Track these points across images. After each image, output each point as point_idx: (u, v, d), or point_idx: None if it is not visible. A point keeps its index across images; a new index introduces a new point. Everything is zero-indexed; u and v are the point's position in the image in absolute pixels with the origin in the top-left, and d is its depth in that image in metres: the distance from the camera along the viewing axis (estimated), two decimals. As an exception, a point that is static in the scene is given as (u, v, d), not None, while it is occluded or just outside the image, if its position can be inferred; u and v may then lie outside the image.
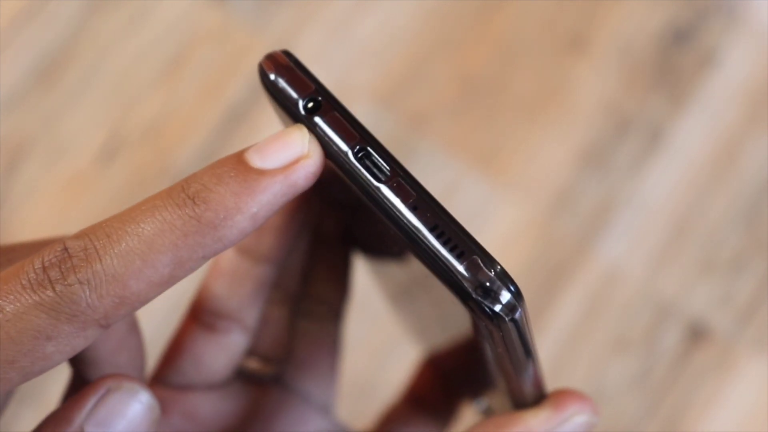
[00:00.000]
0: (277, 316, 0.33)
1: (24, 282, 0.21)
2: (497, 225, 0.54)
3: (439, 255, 0.21)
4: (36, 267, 0.21)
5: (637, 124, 0.56)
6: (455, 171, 0.54)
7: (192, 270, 0.22)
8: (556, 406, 0.26)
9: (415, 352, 0.53)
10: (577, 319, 0.53)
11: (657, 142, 0.55)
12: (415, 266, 0.25)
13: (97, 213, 0.55)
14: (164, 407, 0.30)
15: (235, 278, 0.30)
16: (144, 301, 0.22)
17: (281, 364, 0.33)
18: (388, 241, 0.24)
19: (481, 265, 0.21)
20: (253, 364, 0.32)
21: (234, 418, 0.31)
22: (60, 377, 0.50)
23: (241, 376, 0.32)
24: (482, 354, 0.26)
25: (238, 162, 0.22)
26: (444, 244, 0.21)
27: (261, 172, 0.22)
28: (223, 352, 0.31)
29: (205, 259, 0.22)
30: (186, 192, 0.22)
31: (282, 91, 0.23)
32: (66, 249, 0.21)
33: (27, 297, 0.21)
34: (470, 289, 0.21)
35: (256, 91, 0.56)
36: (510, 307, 0.21)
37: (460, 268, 0.21)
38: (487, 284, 0.21)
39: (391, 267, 0.31)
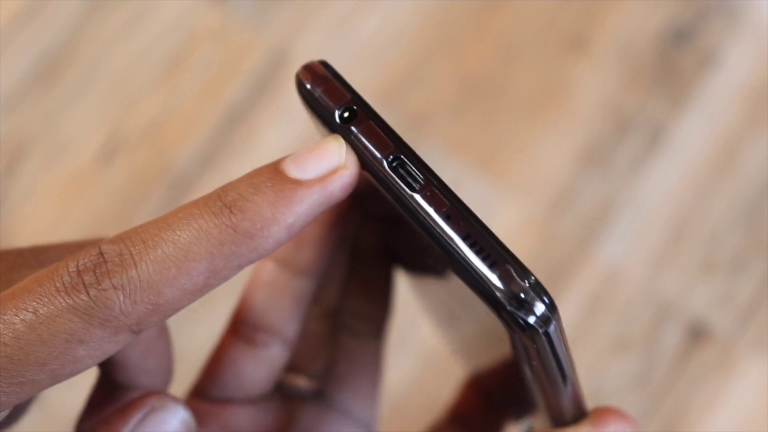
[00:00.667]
0: (317, 330, 0.32)
1: (58, 285, 0.21)
2: (497, 225, 0.54)
3: (472, 265, 0.21)
4: (71, 270, 0.21)
5: (637, 124, 0.56)
6: (455, 171, 0.54)
7: (226, 279, 0.22)
8: (596, 423, 0.26)
9: (415, 355, 0.53)
10: (577, 319, 0.53)
11: (657, 142, 0.55)
12: (454, 282, 0.24)
13: (96, 213, 0.55)
14: (203, 420, 0.30)
15: (274, 291, 0.30)
16: (177, 308, 0.21)
17: (321, 380, 0.33)
18: (427, 256, 0.24)
19: (515, 275, 0.21)
20: (293, 379, 0.32)
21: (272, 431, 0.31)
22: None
23: (281, 390, 0.32)
24: (522, 372, 0.25)
25: (275, 172, 0.22)
26: (477, 253, 0.21)
27: (298, 183, 0.22)
28: (262, 365, 0.30)
29: (240, 268, 0.22)
30: (223, 200, 0.22)
31: (318, 101, 0.23)
32: (101, 253, 0.21)
33: (61, 300, 0.21)
34: (504, 300, 0.21)
35: (256, 91, 0.56)
36: (544, 319, 0.21)
37: (493, 278, 0.21)
38: (521, 295, 0.21)
39: (432, 284, 0.30)
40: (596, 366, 0.52)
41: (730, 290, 0.53)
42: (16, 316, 0.20)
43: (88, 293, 0.21)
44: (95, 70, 0.56)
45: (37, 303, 0.21)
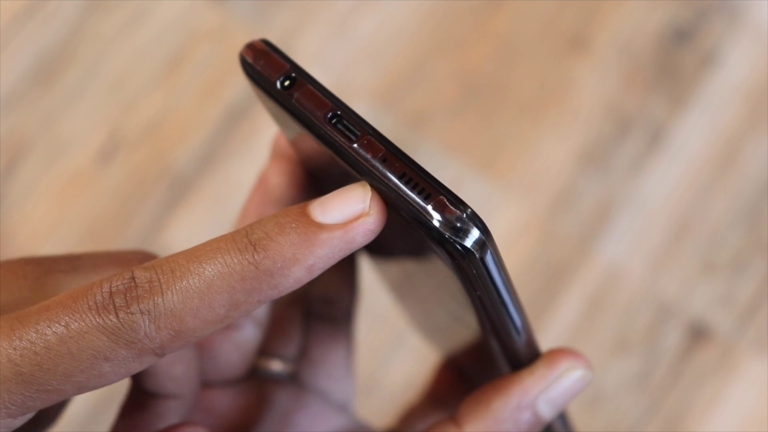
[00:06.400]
0: (287, 315, 0.34)
1: (90, 303, 0.22)
2: (498, 225, 0.54)
3: (410, 199, 0.23)
4: (104, 291, 0.22)
5: (637, 124, 0.56)
6: (455, 171, 0.54)
7: (247, 312, 0.23)
8: (549, 363, 0.27)
9: (414, 353, 0.53)
10: (578, 319, 0.53)
11: (657, 142, 0.55)
12: (411, 246, 0.26)
13: (96, 212, 0.55)
14: None
15: None
16: (199, 336, 0.23)
17: (296, 363, 0.34)
18: (388, 234, 0.25)
19: (448, 204, 0.22)
20: (268, 363, 0.33)
21: (253, 413, 0.32)
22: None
23: (257, 374, 0.33)
24: (488, 339, 0.27)
25: (301, 214, 0.23)
26: (413, 189, 0.23)
27: (321, 227, 0.23)
28: (236, 347, 0.31)
29: (261, 303, 0.23)
30: (249, 237, 0.23)
31: (261, 74, 0.24)
32: (133, 278, 0.22)
33: (91, 318, 0.22)
34: (441, 228, 0.22)
35: (256, 90, 0.56)
36: (480, 243, 0.23)
37: (429, 208, 0.22)
38: (457, 223, 0.22)
39: (394, 262, 0.31)
40: (596, 366, 0.52)
41: (730, 290, 0.53)
42: (49, 327, 0.22)
43: (117, 315, 0.22)
44: (95, 70, 0.56)
45: (70, 318, 0.22)
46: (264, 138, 0.55)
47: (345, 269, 0.33)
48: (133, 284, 0.22)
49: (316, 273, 0.23)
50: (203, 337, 0.23)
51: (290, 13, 0.57)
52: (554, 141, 0.55)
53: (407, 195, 0.23)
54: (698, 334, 0.53)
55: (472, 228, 0.23)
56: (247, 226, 0.23)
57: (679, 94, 0.56)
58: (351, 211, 0.23)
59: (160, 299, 0.22)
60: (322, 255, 0.23)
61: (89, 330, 0.22)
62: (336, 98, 0.24)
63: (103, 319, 0.22)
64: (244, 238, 0.23)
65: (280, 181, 0.31)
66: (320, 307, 0.34)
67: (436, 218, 0.22)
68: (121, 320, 0.22)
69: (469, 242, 0.23)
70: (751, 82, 0.56)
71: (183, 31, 0.57)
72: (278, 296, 0.23)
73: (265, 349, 0.33)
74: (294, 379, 0.34)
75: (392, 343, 0.52)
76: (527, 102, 0.56)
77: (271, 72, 0.24)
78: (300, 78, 0.24)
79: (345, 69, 0.56)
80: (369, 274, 0.36)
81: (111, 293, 0.22)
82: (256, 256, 0.22)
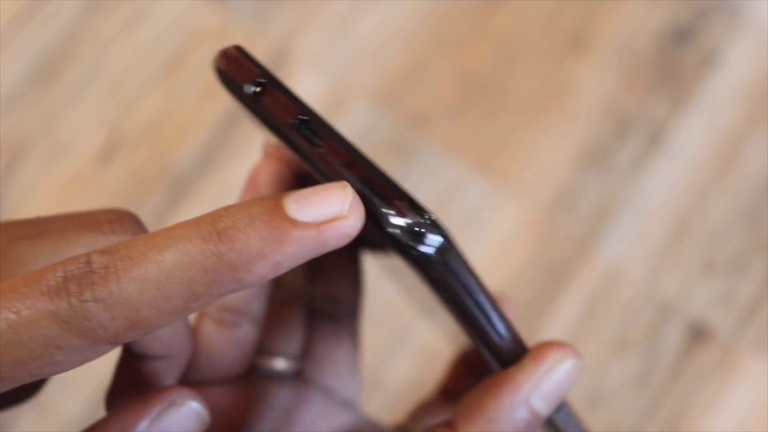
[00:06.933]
0: (287, 313, 0.33)
1: (43, 289, 0.21)
2: (497, 225, 0.54)
3: (371, 205, 0.22)
4: (57, 275, 0.21)
5: (637, 124, 0.56)
6: (455, 171, 0.54)
7: (206, 305, 0.22)
8: (536, 358, 0.26)
9: (416, 350, 0.53)
10: (578, 319, 0.53)
11: (657, 142, 0.55)
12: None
13: (96, 213, 0.55)
14: None
15: None
16: (156, 327, 0.21)
17: (300, 360, 0.33)
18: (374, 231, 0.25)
19: (409, 210, 0.22)
20: (270, 361, 0.33)
21: (253, 410, 0.32)
22: (61, 378, 0.50)
23: (259, 372, 0.33)
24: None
25: (275, 207, 0.21)
26: (375, 194, 0.22)
27: (294, 223, 0.21)
28: (233, 345, 0.31)
29: (221, 296, 0.22)
30: (215, 225, 0.21)
31: (232, 80, 0.24)
32: (90, 262, 0.21)
33: (43, 305, 0.21)
34: (399, 234, 0.22)
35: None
36: (441, 249, 0.22)
37: (389, 213, 0.22)
38: (417, 229, 0.22)
39: (388, 257, 0.31)
40: (596, 366, 0.52)
41: (730, 290, 0.53)
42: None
43: (69, 302, 0.21)
44: (95, 70, 0.56)
45: (21, 304, 0.21)
46: (264, 138, 0.55)
47: (349, 267, 0.33)
48: (88, 269, 0.21)
49: (282, 271, 0.22)
50: (160, 328, 0.22)
51: (290, 13, 0.57)
52: (554, 141, 0.55)
53: (369, 201, 0.22)
54: (698, 334, 0.53)
55: (433, 234, 0.22)
56: (214, 212, 0.22)
57: (679, 94, 0.56)
58: (328, 211, 0.22)
59: (115, 287, 0.21)
60: (291, 253, 0.21)
61: (40, 317, 0.21)
62: (303, 104, 0.23)
63: (55, 307, 0.21)
64: (210, 226, 0.21)
65: (269, 180, 0.30)
66: (324, 305, 0.33)
67: (397, 224, 0.22)
68: (74, 308, 0.21)
69: (429, 249, 0.22)
70: (751, 82, 0.56)
71: (183, 31, 0.57)
72: (239, 290, 0.22)
73: (265, 347, 0.33)
74: (298, 377, 0.33)
75: (394, 341, 0.52)
76: (527, 102, 0.56)
77: (242, 78, 0.24)
78: (269, 83, 0.24)
79: (345, 69, 0.56)
80: (371, 272, 0.36)
81: (65, 278, 0.21)
82: (220, 247, 0.21)
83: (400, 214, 0.22)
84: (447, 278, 0.23)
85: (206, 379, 0.31)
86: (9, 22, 0.56)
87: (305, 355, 0.34)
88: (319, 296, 0.33)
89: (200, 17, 0.57)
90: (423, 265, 0.23)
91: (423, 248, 0.22)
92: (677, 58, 0.57)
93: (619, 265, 0.54)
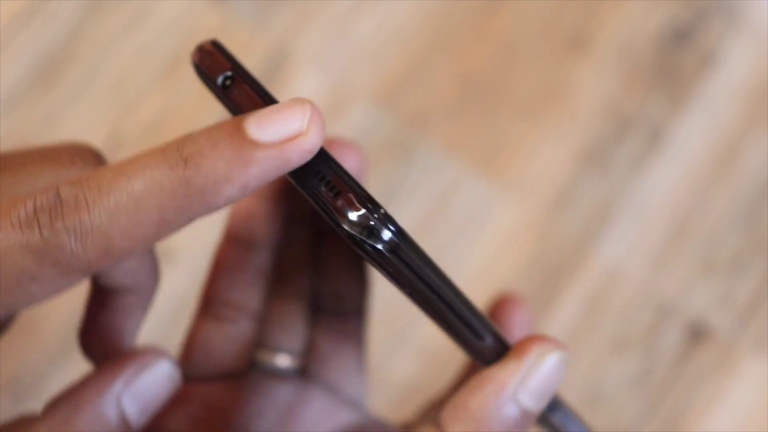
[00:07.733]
0: (290, 309, 0.33)
1: (14, 221, 0.21)
2: (497, 225, 0.54)
3: (323, 198, 0.22)
4: (27, 208, 0.21)
5: (637, 124, 0.56)
6: (455, 171, 0.54)
7: (177, 230, 0.22)
8: (519, 353, 0.26)
9: (417, 349, 0.53)
10: (577, 319, 0.53)
11: (657, 142, 0.55)
12: None
13: (96, 213, 0.55)
14: (183, 399, 0.31)
15: (233, 267, 0.31)
16: (128, 254, 0.22)
17: (303, 357, 0.33)
18: None
19: (358, 203, 0.22)
20: (272, 357, 0.33)
21: (252, 407, 0.32)
22: (59, 376, 0.50)
23: (261, 369, 0.33)
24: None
25: (236, 129, 0.22)
26: (327, 187, 0.23)
27: (256, 144, 0.22)
28: (232, 341, 0.31)
29: (191, 221, 0.22)
30: (180, 152, 0.22)
31: (206, 74, 0.25)
32: (59, 194, 0.21)
33: (14, 236, 0.21)
34: (350, 229, 0.22)
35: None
36: (392, 244, 0.22)
37: (340, 207, 0.22)
38: (368, 223, 0.22)
39: None
40: (596, 366, 0.52)
41: (730, 290, 0.53)
42: None
43: (41, 233, 0.21)
44: (95, 70, 0.56)
45: None
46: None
47: (355, 263, 0.33)
48: (58, 201, 0.21)
49: (249, 192, 0.22)
50: (132, 255, 0.22)
51: (290, 13, 0.57)
52: (554, 141, 0.55)
53: (321, 194, 0.22)
54: (698, 334, 0.53)
55: (384, 228, 0.22)
56: (178, 139, 0.22)
57: (678, 94, 0.56)
58: (288, 129, 0.22)
59: (86, 216, 0.21)
60: (256, 174, 0.22)
61: (12, 249, 0.21)
62: (270, 97, 0.24)
63: (27, 238, 0.21)
64: (176, 152, 0.22)
65: None
66: (330, 302, 0.33)
67: (348, 218, 0.22)
68: (46, 238, 0.21)
69: (380, 243, 0.22)
70: (751, 82, 0.56)
71: (183, 31, 0.57)
72: (208, 214, 0.22)
73: (267, 343, 0.33)
74: (303, 375, 0.33)
75: (395, 340, 0.52)
76: (527, 102, 0.56)
77: (214, 71, 0.25)
78: (238, 77, 0.24)
79: (345, 69, 0.56)
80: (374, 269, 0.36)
81: (35, 210, 0.21)
82: (187, 173, 0.21)
83: (352, 208, 0.22)
84: (403, 272, 0.23)
85: (204, 374, 0.31)
86: (9, 22, 0.56)
87: (310, 352, 0.33)
88: (324, 293, 0.33)
89: (200, 17, 0.57)
90: (377, 260, 0.23)
91: (376, 243, 0.22)
92: (677, 58, 0.57)
93: (619, 265, 0.54)
